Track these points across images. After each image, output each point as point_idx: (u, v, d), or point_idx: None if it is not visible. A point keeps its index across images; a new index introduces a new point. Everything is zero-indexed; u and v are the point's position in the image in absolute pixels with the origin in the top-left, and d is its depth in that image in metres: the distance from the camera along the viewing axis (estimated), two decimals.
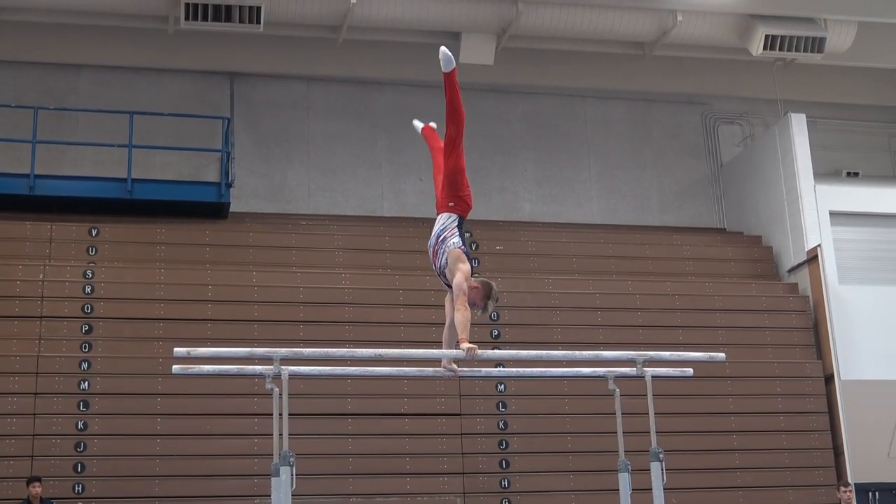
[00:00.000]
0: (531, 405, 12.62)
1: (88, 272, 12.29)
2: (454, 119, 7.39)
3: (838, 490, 11.68)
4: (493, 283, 6.97)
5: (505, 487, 12.25)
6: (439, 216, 7.23)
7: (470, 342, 6.63)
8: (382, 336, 12.21)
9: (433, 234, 7.14)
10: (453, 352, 6.83)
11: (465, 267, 6.84)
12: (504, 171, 15.89)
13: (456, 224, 7.13)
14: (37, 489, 10.39)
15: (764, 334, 13.86)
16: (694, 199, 16.54)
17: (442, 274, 7.02)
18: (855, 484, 12.67)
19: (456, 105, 7.34)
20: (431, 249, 7.12)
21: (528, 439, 12.49)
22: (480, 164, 15.77)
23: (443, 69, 7.17)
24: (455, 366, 7.01)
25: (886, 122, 17.25)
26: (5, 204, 13.11)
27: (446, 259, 6.95)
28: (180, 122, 14.63)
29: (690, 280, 14.41)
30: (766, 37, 14.30)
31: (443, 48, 7.18)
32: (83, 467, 11.29)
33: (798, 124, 14.94)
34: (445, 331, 7.05)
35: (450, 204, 7.21)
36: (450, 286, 6.93)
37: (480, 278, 6.99)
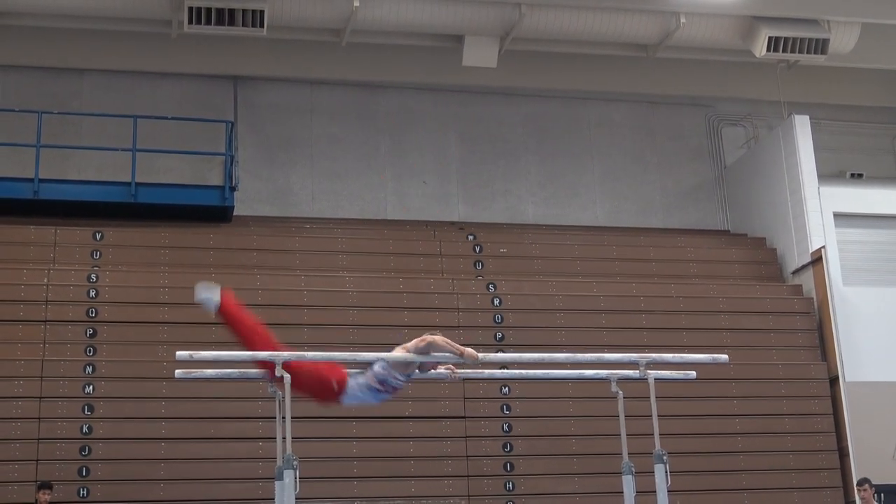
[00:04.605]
0: (535, 408, 12.61)
1: (93, 276, 12.30)
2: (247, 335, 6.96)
3: (859, 489, 11.38)
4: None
5: (509, 490, 12.24)
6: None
7: (467, 348, 6.65)
8: (386, 339, 12.13)
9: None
10: (454, 357, 6.83)
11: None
12: (507, 174, 15.89)
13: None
14: (46, 497, 10.33)
15: (768, 336, 13.84)
16: (697, 202, 16.52)
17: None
18: None
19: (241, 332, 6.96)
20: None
21: (533, 442, 12.47)
22: (484, 167, 15.79)
23: (211, 311, 6.88)
24: (452, 366, 7.03)
25: (890, 124, 17.22)
26: (9, 208, 13.14)
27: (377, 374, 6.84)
28: (184, 126, 14.65)
29: (694, 282, 14.39)
30: (770, 38, 14.27)
31: (199, 293, 6.84)
32: (88, 471, 11.29)
33: (802, 126, 14.92)
34: None
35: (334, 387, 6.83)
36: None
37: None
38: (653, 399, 7.28)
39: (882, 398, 13.54)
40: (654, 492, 7.11)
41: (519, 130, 16.16)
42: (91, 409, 11.55)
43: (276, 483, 6.46)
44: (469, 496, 12.10)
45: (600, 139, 16.44)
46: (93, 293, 12.18)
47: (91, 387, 11.64)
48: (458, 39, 14.56)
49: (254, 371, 7.26)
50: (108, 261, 12.76)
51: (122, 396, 11.70)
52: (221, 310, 6.84)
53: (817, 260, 14.22)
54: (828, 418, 13.41)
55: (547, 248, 14.49)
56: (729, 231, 16.32)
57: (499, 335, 12.90)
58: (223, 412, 11.81)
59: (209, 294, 6.80)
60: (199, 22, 13.20)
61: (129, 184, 13.44)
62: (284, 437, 6.54)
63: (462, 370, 7.29)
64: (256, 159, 15.11)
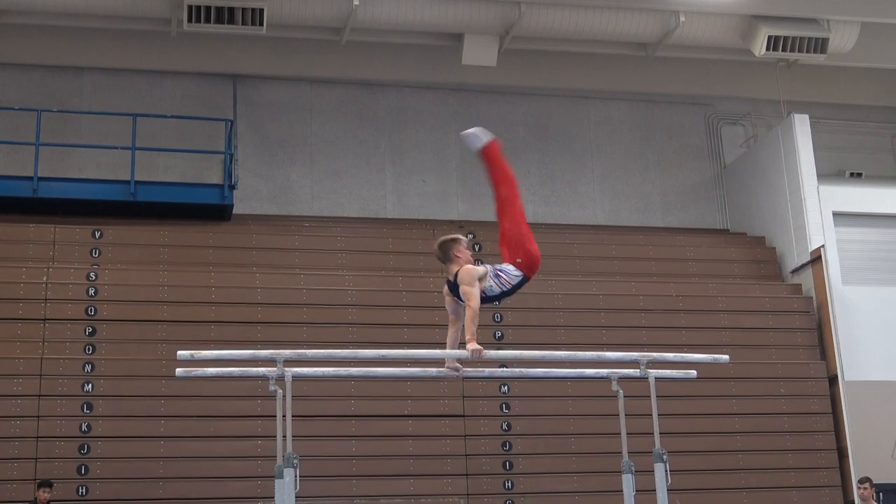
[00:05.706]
0: (534, 406, 12.61)
1: (92, 274, 12.30)
2: (503, 182, 7.07)
3: (860, 486, 11.36)
4: (452, 235, 7.03)
5: (509, 489, 12.24)
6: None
7: (477, 343, 6.63)
8: (386, 338, 12.21)
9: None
10: (457, 352, 6.81)
11: (467, 268, 6.79)
12: None
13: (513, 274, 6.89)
14: (46, 495, 10.33)
15: (767, 335, 13.85)
16: (697, 201, 16.53)
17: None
18: None
19: (500, 176, 7.06)
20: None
21: (532, 440, 12.48)
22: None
23: (475, 147, 7.06)
24: (458, 364, 6.99)
25: (889, 123, 17.23)
26: (9, 206, 13.13)
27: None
28: (183, 125, 14.64)
29: (694, 281, 14.39)
30: (769, 37, 14.29)
31: (464, 133, 7.09)
32: (87, 469, 11.29)
33: (801, 125, 14.93)
34: (450, 328, 7.01)
35: (517, 260, 6.92)
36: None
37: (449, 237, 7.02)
38: (653, 398, 7.28)
39: (881, 397, 13.55)
40: (654, 491, 7.11)
41: (519, 129, 16.16)
42: (90, 407, 11.55)
43: (276, 481, 6.45)
44: (468, 495, 12.10)
45: (600, 138, 16.44)
46: (92, 291, 12.17)
47: (90, 385, 11.64)
48: (458, 38, 14.57)
49: (254, 370, 7.24)
50: (108, 259, 12.76)
51: (122, 395, 11.70)
52: (484, 151, 7.05)
53: (816, 259, 14.23)
54: (827, 417, 13.42)
55: (546, 246, 14.26)
56: (728, 230, 16.33)
57: (498, 334, 12.90)
58: (223, 410, 11.82)
59: (479, 135, 7.04)
60: (198, 20, 13.23)
61: (128, 182, 13.44)
62: (284, 436, 6.53)
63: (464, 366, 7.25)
64: (256, 158, 15.11)
